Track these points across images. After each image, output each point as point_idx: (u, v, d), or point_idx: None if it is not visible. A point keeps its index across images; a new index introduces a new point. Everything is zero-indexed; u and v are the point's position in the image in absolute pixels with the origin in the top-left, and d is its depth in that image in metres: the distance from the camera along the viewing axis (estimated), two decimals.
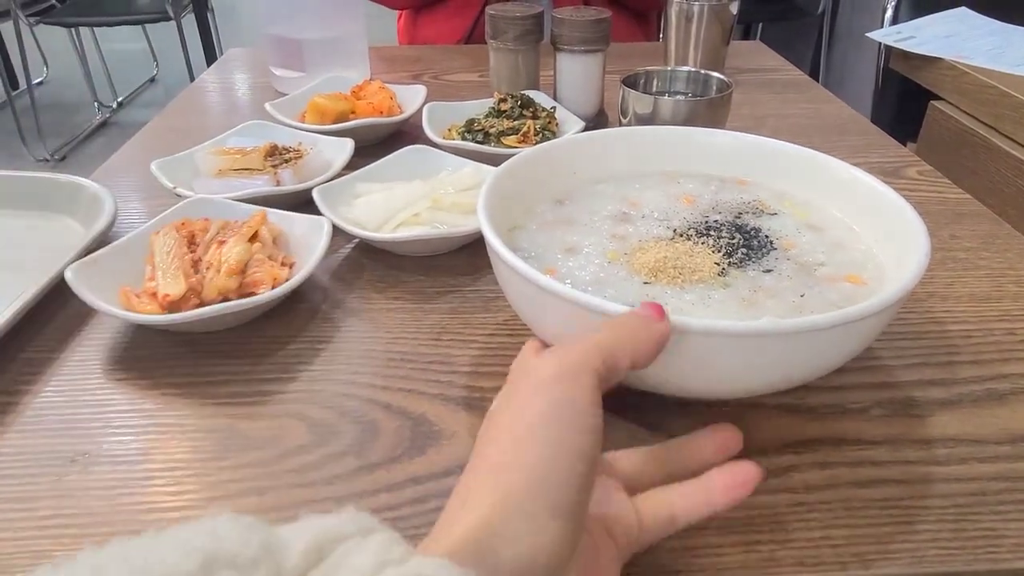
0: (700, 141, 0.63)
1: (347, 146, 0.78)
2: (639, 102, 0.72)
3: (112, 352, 0.55)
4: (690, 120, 0.71)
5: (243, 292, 0.56)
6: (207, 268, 0.57)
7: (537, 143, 0.80)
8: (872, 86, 1.83)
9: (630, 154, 0.63)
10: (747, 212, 0.58)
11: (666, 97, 0.78)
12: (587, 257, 0.53)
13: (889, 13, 1.58)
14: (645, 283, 0.49)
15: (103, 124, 3.70)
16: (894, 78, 1.47)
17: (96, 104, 3.73)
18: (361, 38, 1.08)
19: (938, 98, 1.26)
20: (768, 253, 0.53)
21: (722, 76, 0.74)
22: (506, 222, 0.57)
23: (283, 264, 0.61)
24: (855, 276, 0.50)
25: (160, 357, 0.54)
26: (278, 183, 0.72)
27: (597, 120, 0.94)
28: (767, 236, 0.55)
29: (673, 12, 1.10)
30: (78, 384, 0.52)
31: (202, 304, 0.55)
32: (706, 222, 0.56)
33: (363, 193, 0.71)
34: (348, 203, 0.70)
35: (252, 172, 0.73)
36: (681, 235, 0.55)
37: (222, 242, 0.58)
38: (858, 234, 0.55)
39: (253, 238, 0.60)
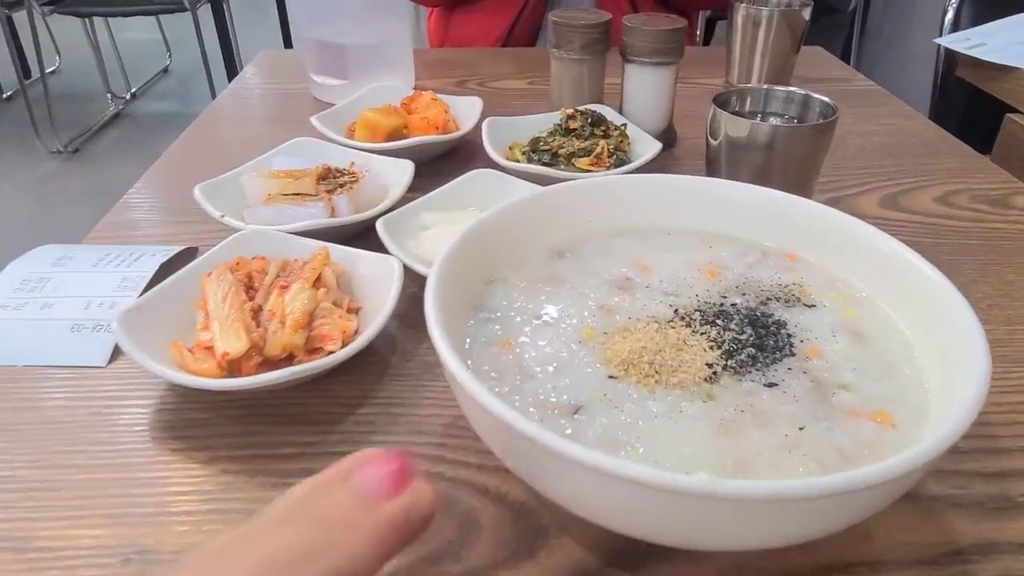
0: (750, 199, 0.53)
1: (407, 169, 0.71)
2: (733, 125, 0.65)
3: (162, 415, 0.49)
4: (790, 148, 0.64)
5: (310, 347, 0.50)
6: (269, 319, 0.50)
7: (610, 167, 0.74)
8: (910, 87, 1.74)
9: (664, 204, 0.54)
10: (778, 298, 0.48)
11: (764, 121, 0.71)
12: (559, 331, 0.45)
13: (950, 16, 1.50)
14: (611, 377, 0.41)
15: (116, 115, 3.64)
16: (956, 87, 1.39)
17: (109, 95, 3.67)
18: (405, 43, 1.01)
19: (1014, 110, 1.18)
20: (782, 359, 0.42)
21: (826, 99, 0.67)
22: (487, 271, 0.50)
23: (349, 310, 0.54)
24: (885, 414, 0.39)
25: (217, 423, 0.48)
26: (334, 211, 0.66)
27: (666, 137, 0.87)
28: (789, 335, 0.44)
29: (739, 17, 1.03)
30: (127, 456, 0.46)
31: (265, 361, 0.49)
32: (720, 305, 0.47)
33: (429, 224, 0.64)
34: (414, 236, 0.63)
35: (304, 198, 0.66)
36: (682, 318, 0.46)
37: (284, 287, 0.52)
38: (913, 350, 0.43)
39: (317, 282, 0.54)
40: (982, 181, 0.80)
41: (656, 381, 0.41)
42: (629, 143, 0.79)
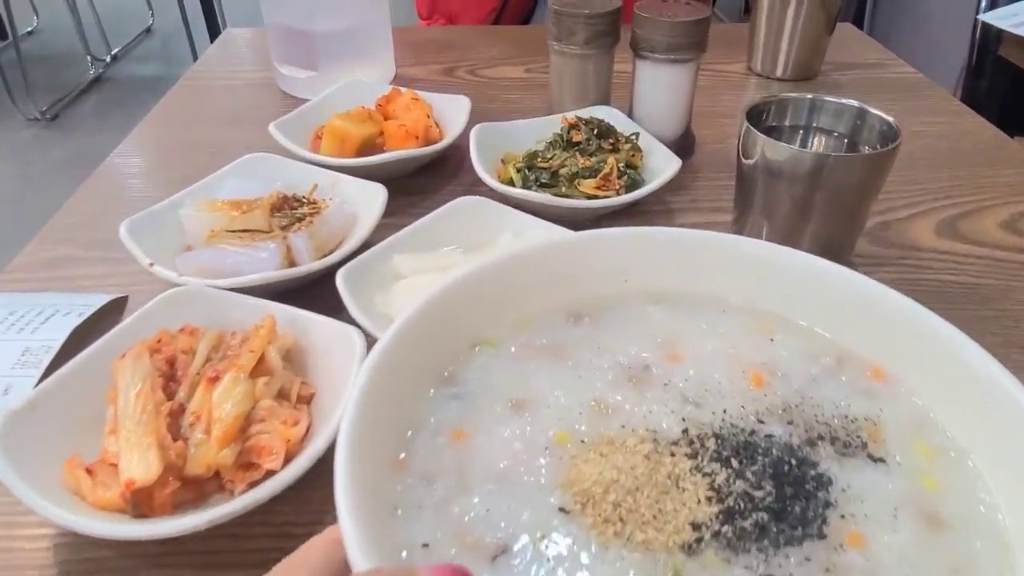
0: (841, 283, 0.40)
1: (378, 196, 0.60)
2: (772, 149, 0.53)
3: (59, 554, 0.38)
4: (841, 180, 0.53)
5: (244, 461, 0.39)
6: (191, 424, 0.40)
7: (620, 190, 0.62)
8: (936, 63, 1.58)
9: (725, 271, 0.42)
10: (835, 439, 0.35)
11: (809, 141, 0.60)
12: (530, 425, 0.35)
13: None
14: (562, 510, 0.31)
15: (97, 79, 3.48)
16: (994, 64, 1.26)
17: (89, 58, 3.50)
18: (384, 28, 0.88)
19: None
20: (804, 540, 0.30)
21: (886, 117, 0.55)
22: (476, 330, 0.40)
23: (300, 399, 0.44)
24: None
25: (128, 567, 0.38)
26: (289, 252, 0.55)
27: (683, 144, 0.75)
28: (828, 503, 0.32)
29: None
30: None
31: (186, 482, 0.39)
32: (750, 433, 0.35)
33: (404, 271, 0.53)
34: (385, 289, 0.52)
35: (254, 236, 0.55)
36: (690, 443, 0.34)
37: (213, 379, 0.41)
38: (1014, 553, 0.30)
39: (258, 367, 0.43)
40: None
41: (615, 532, 0.30)
42: (642, 157, 0.67)
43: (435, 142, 0.71)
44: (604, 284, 0.44)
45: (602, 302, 0.43)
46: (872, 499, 0.33)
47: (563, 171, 0.63)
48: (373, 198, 0.60)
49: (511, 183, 0.64)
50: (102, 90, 3.46)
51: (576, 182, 0.62)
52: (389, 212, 0.64)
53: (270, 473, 0.39)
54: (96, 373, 0.43)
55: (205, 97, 0.90)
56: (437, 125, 0.74)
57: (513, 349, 0.40)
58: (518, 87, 0.91)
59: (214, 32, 3.10)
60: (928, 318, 0.37)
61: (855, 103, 0.57)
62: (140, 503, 0.37)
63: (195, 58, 3.17)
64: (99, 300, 0.53)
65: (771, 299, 0.42)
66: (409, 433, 0.35)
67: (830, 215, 0.55)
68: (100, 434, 0.41)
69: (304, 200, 0.60)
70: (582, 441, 0.35)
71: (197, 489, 0.39)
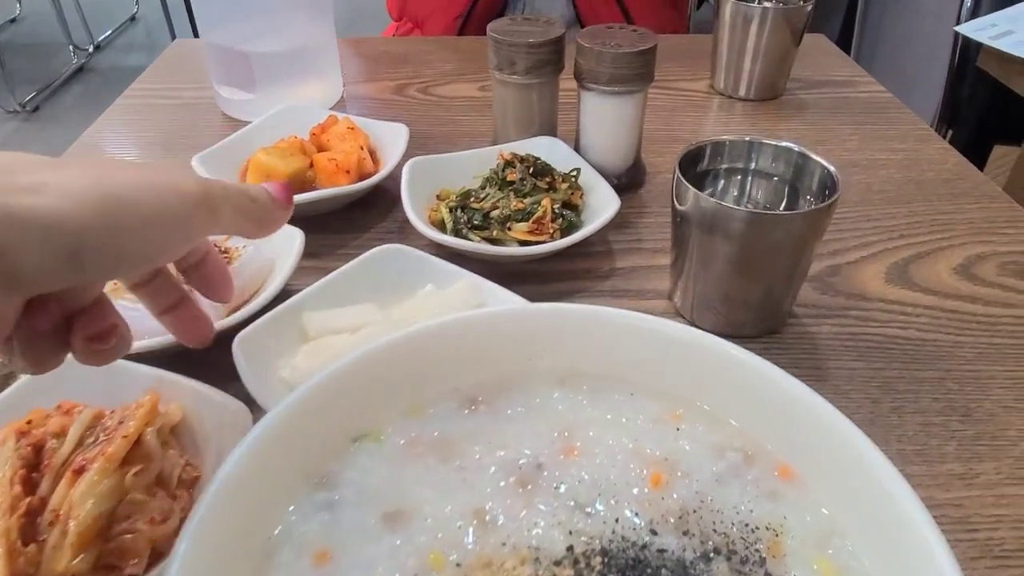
0: (763, 378, 0.36)
1: (295, 241, 0.57)
2: (703, 203, 0.50)
3: None
4: (775, 238, 0.50)
5: (105, 563, 0.37)
6: (50, 523, 0.37)
7: (554, 234, 0.59)
8: (917, 76, 1.53)
9: (636, 351, 0.40)
10: (732, 552, 0.32)
11: (744, 188, 0.56)
12: (402, 542, 0.33)
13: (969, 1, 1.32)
14: None
15: (79, 69, 3.43)
16: (976, 80, 1.23)
17: (71, 47, 3.45)
18: (328, 47, 0.84)
19: None
20: None
21: (828, 166, 0.52)
22: (361, 419, 0.37)
23: (181, 484, 0.41)
24: None
25: None
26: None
27: (631, 175, 0.72)
28: None
29: (727, 11, 0.87)
30: None
31: None
32: (642, 547, 0.32)
33: (312, 333, 0.50)
34: (291, 354, 0.49)
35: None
36: (575, 562, 0.31)
37: (79, 471, 0.38)
38: None
39: (133, 450, 0.40)
40: (1012, 240, 0.66)
41: None
42: (582, 195, 0.64)
43: (370, 175, 0.68)
44: (506, 363, 0.41)
45: (503, 384, 0.41)
46: None
47: (494, 213, 0.60)
48: (290, 242, 0.57)
49: (441, 224, 0.61)
50: (85, 81, 3.41)
51: (507, 226, 0.59)
52: (314, 253, 0.61)
53: None
54: None
55: (144, 117, 0.86)
56: (374, 155, 0.71)
57: (401, 442, 0.38)
58: (471, 107, 0.88)
59: (195, 21, 3.05)
60: (840, 423, 0.34)
61: (795, 147, 0.54)
62: None
63: None
64: None
65: (681, 385, 0.40)
66: (268, 547, 0.33)
67: (766, 270, 0.52)
68: None
69: (216, 247, 0.56)
70: (457, 565, 0.32)
71: None
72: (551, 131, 0.73)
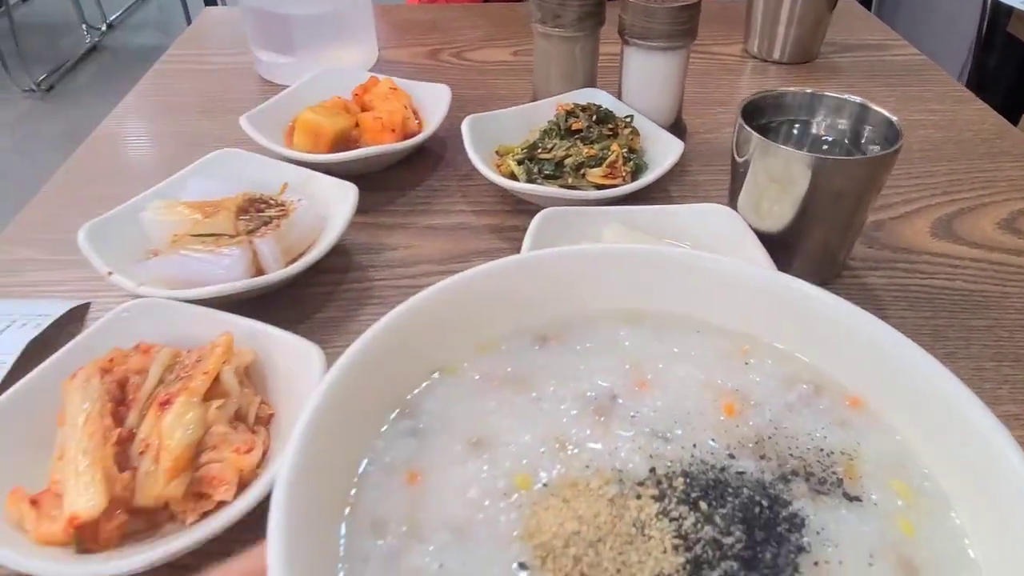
0: (830, 311, 0.36)
1: (349, 195, 0.58)
2: (766, 150, 0.51)
3: None
4: (839, 185, 0.50)
5: (195, 490, 0.38)
6: (141, 452, 0.38)
7: (626, 177, 0.60)
8: (943, 41, 1.53)
9: (702, 291, 0.40)
10: (809, 475, 0.33)
11: (806, 139, 0.57)
12: (488, 466, 0.33)
13: None
14: (521, 565, 0.29)
15: (92, 49, 3.43)
16: (1005, 45, 1.22)
17: (84, 27, 3.45)
18: (364, 11, 0.85)
19: None
20: None
21: (889, 115, 0.52)
22: (437, 353, 0.37)
23: (258, 420, 0.42)
24: None
25: None
26: (255, 256, 0.53)
27: (674, 132, 0.72)
28: (800, 548, 0.30)
29: None
30: None
31: (134, 513, 0.37)
32: (721, 469, 0.33)
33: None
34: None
35: (219, 240, 0.53)
36: (657, 483, 0.32)
37: (165, 403, 0.40)
38: None
39: (212, 388, 0.41)
40: None
41: None
42: (640, 141, 0.65)
43: (413, 134, 0.68)
44: (574, 303, 0.41)
45: (571, 323, 0.41)
46: (848, 544, 0.31)
47: (568, 161, 0.61)
48: (344, 197, 0.58)
49: (512, 177, 0.62)
50: (98, 60, 3.42)
51: (582, 172, 0.60)
52: (363, 209, 0.62)
53: (222, 504, 0.38)
54: (46, 393, 0.41)
55: (179, 84, 0.87)
56: (416, 115, 0.72)
57: (476, 377, 0.39)
58: (505, 71, 0.88)
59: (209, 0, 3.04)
60: (911, 350, 0.34)
61: (857, 99, 0.54)
62: (85, 538, 0.36)
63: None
64: (57, 309, 0.52)
65: (748, 320, 0.40)
66: (361, 470, 0.34)
67: (828, 219, 0.52)
68: (49, 457, 0.39)
69: (272, 201, 0.57)
70: (544, 485, 0.33)
71: (148, 519, 0.38)
72: (592, 85, 0.73)
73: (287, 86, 0.75)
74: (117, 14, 3.66)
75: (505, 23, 0.99)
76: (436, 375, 0.38)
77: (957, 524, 0.32)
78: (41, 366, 0.43)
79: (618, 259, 0.42)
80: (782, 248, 0.54)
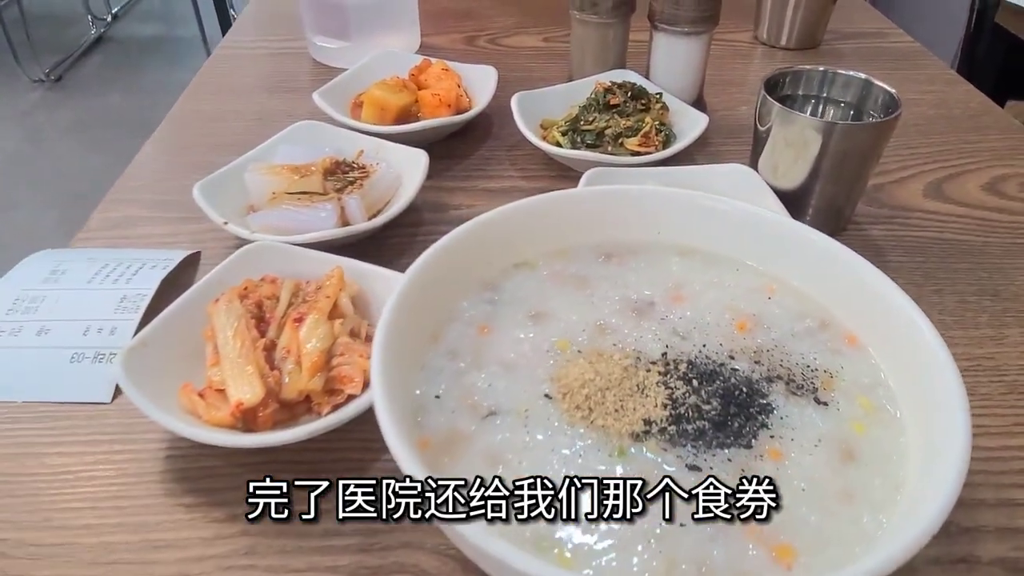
0: (847, 262, 0.44)
1: (420, 160, 0.66)
2: (785, 118, 0.60)
3: (174, 463, 0.46)
4: (847, 147, 0.59)
5: (329, 388, 0.47)
6: (283, 357, 0.47)
7: (658, 146, 0.69)
8: (935, 31, 1.62)
9: (747, 237, 0.48)
10: (790, 381, 0.41)
11: (819, 108, 0.66)
12: (540, 331, 0.44)
13: None
14: (546, 395, 0.40)
15: (99, 39, 3.47)
16: (993, 35, 1.31)
17: (90, 17, 3.49)
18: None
19: None
20: (731, 446, 0.37)
21: (889, 88, 0.62)
22: (522, 251, 0.49)
23: (368, 339, 0.51)
24: (788, 550, 0.33)
25: (233, 472, 0.45)
26: (343, 212, 0.61)
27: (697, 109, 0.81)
28: (762, 425, 0.38)
29: None
30: (140, 514, 0.43)
31: (281, 404, 0.46)
32: (719, 366, 0.41)
33: None
34: None
35: (312, 198, 0.61)
36: (665, 363, 0.41)
37: (298, 320, 0.48)
38: (898, 492, 0.36)
39: (332, 311, 0.50)
40: None
41: (582, 417, 0.38)
42: (668, 115, 0.74)
43: (465, 110, 0.77)
44: (640, 232, 0.50)
45: (634, 247, 0.50)
46: (803, 430, 0.38)
47: (608, 132, 0.70)
48: (416, 162, 0.66)
49: (558, 145, 0.70)
50: (105, 51, 3.45)
51: (620, 141, 0.69)
52: (427, 175, 0.70)
53: (351, 397, 0.46)
54: (192, 316, 0.50)
55: (239, 68, 0.95)
56: (466, 94, 0.80)
57: (547, 273, 0.48)
58: (538, 56, 0.97)
59: None
60: (900, 300, 0.41)
61: (862, 75, 0.64)
62: (247, 421, 0.44)
63: (197, 18, 3.16)
64: (177, 255, 0.60)
65: (780, 265, 0.48)
66: (446, 319, 0.44)
67: (836, 178, 0.61)
68: (201, 367, 0.48)
69: (354, 165, 0.66)
70: (578, 351, 0.42)
71: (290, 411, 0.46)
72: (622, 66, 0.82)
73: (341, 69, 0.83)
74: (122, 5, 3.69)
75: (535, 12, 1.08)
76: (517, 267, 0.48)
77: (901, 441, 0.38)
78: (185, 294, 0.51)
79: (683, 200, 0.50)
80: (795, 204, 0.63)
